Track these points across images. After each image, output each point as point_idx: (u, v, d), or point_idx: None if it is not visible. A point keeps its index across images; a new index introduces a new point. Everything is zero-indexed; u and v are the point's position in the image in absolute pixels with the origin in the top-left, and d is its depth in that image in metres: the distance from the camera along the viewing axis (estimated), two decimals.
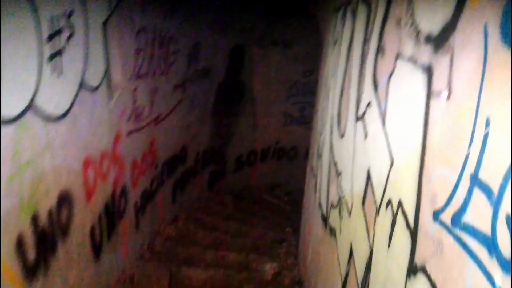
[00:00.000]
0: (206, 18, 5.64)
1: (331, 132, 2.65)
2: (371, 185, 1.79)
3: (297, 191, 7.82)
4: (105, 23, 3.15)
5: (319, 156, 3.17)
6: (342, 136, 2.28)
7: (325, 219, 2.70)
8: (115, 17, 3.32)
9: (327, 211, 2.65)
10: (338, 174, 2.31)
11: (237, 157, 7.30)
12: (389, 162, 1.59)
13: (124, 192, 3.84)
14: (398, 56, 1.59)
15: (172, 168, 5.35)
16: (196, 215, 5.87)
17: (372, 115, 1.81)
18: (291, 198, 7.52)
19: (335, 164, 2.41)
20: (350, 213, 2.06)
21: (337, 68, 2.70)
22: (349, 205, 2.08)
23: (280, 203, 7.15)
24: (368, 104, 1.88)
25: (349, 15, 2.49)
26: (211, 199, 6.56)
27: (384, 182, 1.62)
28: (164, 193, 5.18)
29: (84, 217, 2.98)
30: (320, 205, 2.93)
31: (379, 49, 1.80)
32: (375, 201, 1.73)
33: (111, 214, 3.53)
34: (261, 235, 5.41)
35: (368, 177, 1.82)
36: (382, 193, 1.63)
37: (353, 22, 2.28)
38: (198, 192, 6.47)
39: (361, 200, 1.89)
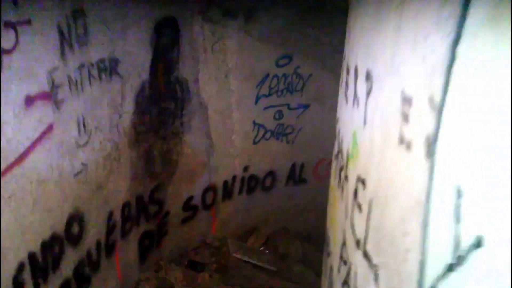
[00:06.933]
0: None
1: None
2: None
3: (278, 234, 5.37)
4: None
5: None
6: None
7: None
8: None
9: None
10: None
11: (186, 201, 4.62)
12: None
13: None
14: None
15: (48, 268, 2.61)
16: None
17: None
18: (273, 247, 5.03)
19: None
20: None
21: None
22: None
23: (261, 263, 4.61)
24: None
25: None
26: (146, 283, 3.84)
27: None
28: None
29: None
30: None
31: None
32: None
33: None
34: None
35: None
36: None
37: None
38: (120, 279, 3.73)
39: None
